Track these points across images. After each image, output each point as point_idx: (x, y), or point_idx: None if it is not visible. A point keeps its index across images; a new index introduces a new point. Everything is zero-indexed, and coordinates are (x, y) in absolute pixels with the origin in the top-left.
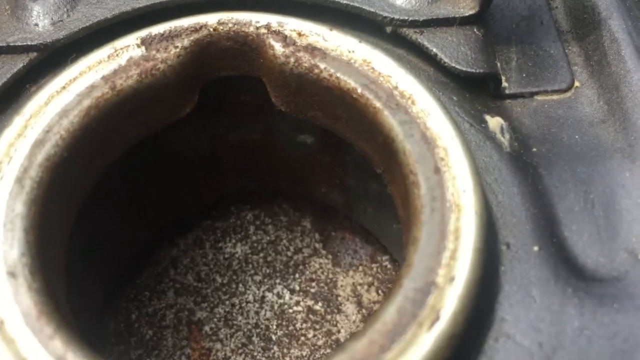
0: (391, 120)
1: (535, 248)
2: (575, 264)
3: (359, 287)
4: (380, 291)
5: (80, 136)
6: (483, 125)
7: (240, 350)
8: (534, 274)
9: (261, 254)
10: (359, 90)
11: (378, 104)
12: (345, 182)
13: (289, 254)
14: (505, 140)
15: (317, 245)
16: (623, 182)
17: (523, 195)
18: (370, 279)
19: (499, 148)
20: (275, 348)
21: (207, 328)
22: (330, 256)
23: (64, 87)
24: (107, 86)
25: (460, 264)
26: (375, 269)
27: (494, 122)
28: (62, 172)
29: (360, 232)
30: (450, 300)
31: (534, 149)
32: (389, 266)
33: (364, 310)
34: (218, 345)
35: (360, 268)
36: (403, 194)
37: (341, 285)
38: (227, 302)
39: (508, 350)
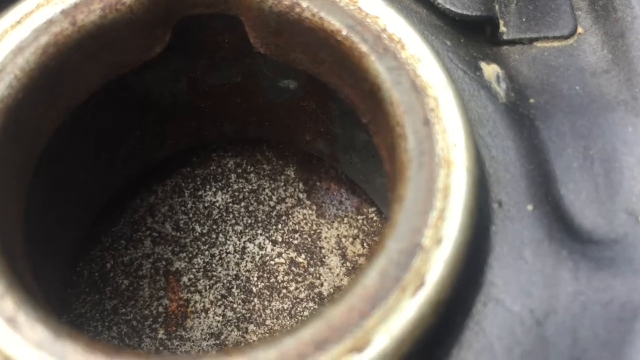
0: (378, 67)
1: (530, 207)
2: (571, 225)
3: (343, 240)
4: (365, 244)
5: (37, 76)
6: (478, 73)
7: (219, 302)
8: (527, 234)
9: (243, 204)
10: (344, 33)
11: (364, 48)
12: (331, 131)
13: (272, 204)
14: (501, 90)
15: (301, 195)
16: (625, 137)
17: (518, 150)
18: (355, 231)
19: (494, 99)
20: (256, 301)
21: (185, 279)
22: (314, 207)
23: (19, 22)
24: (67, 21)
25: (449, 225)
26: (361, 221)
27: (490, 71)
28: (18, 115)
29: (347, 183)
30: (437, 263)
31: (532, 100)
32: (375, 219)
33: (348, 264)
34: (197, 297)
35: (346, 220)
36: (389, 147)
37: (325, 238)
38: (207, 253)
39: (497, 315)
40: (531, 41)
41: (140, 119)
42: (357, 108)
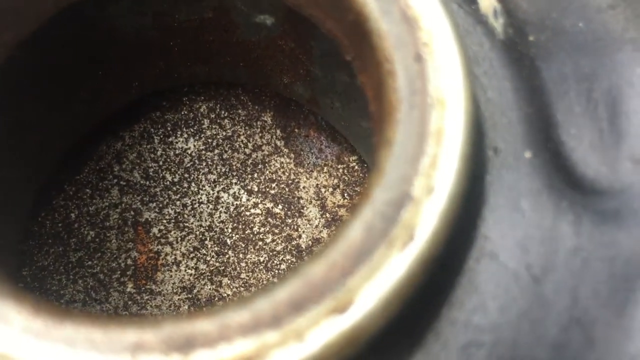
0: None
1: (527, 154)
2: (572, 173)
3: (323, 190)
4: (346, 194)
5: None
6: (473, 7)
7: (191, 255)
8: (525, 184)
9: (216, 151)
10: None
11: None
12: (310, 73)
13: (247, 151)
14: (498, 25)
15: (278, 142)
16: (632, 79)
17: (516, 91)
18: (335, 180)
19: (490, 35)
20: (230, 253)
21: (155, 230)
22: (292, 155)
23: None
24: None
25: (442, 173)
26: (341, 170)
27: (486, 4)
28: None
29: (326, 130)
30: (427, 216)
31: (531, 38)
32: (356, 167)
33: (327, 215)
34: (167, 249)
35: (325, 169)
36: (376, 85)
37: (304, 187)
38: (178, 203)
39: (491, 272)
40: None
41: (102, 57)
42: (340, 43)
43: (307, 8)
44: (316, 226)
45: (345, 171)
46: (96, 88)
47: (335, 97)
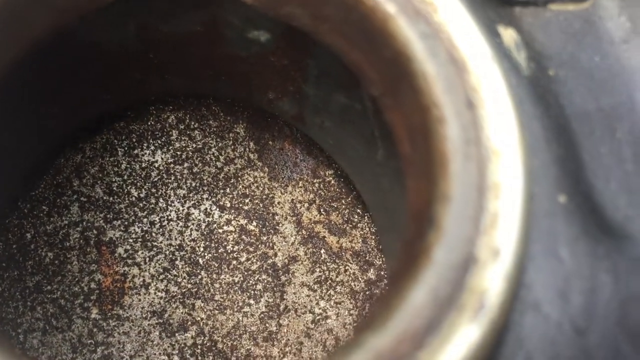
0: (408, 32)
1: (561, 199)
2: (602, 217)
3: (298, 205)
4: (322, 209)
5: None
6: (497, 40)
7: (161, 276)
8: (561, 230)
9: (186, 164)
10: None
11: (391, 9)
12: (301, 91)
13: (219, 164)
14: (521, 59)
15: (251, 155)
16: None
17: (545, 131)
18: (311, 195)
19: (516, 70)
20: (203, 273)
21: (121, 250)
22: (266, 169)
23: None
24: None
25: (504, 232)
26: (317, 185)
27: (508, 36)
28: None
29: (302, 143)
30: (494, 279)
31: (551, 72)
32: (332, 182)
33: (304, 231)
34: (135, 270)
35: (301, 183)
36: (416, 128)
37: (279, 202)
38: (145, 220)
39: (535, 325)
40: (545, 3)
41: (78, 71)
42: (366, 76)
43: (328, 37)
44: (292, 243)
45: (322, 186)
46: (68, 102)
47: (327, 116)
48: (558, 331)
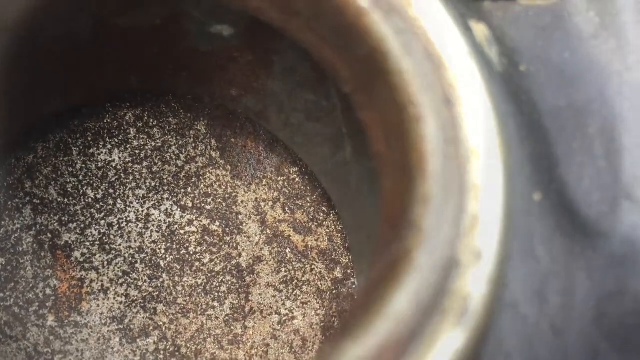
0: (383, 28)
1: (536, 196)
2: (577, 215)
3: (262, 204)
4: (287, 208)
5: None
6: (469, 35)
7: (121, 280)
8: (537, 228)
9: (145, 163)
10: None
11: (364, 3)
12: (266, 87)
13: (180, 163)
14: (493, 55)
15: (213, 153)
16: (622, 114)
17: (520, 127)
18: (275, 194)
19: (489, 66)
20: (165, 276)
21: (77, 254)
22: (229, 167)
23: None
24: None
25: (485, 234)
26: (281, 183)
27: (479, 31)
28: None
29: (265, 140)
30: (477, 283)
31: (522, 68)
32: (297, 179)
33: (268, 230)
34: (93, 275)
35: (264, 181)
36: (392, 127)
37: (242, 202)
38: (103, 222)
39: (514, 325)
40: None
41: (31, 67)
42: (338, 74)
43: (298, 33)
44: (257, 243)
45: (286, 183)
46: (18, 100)
47: (293, 113)
48: (536, 331)
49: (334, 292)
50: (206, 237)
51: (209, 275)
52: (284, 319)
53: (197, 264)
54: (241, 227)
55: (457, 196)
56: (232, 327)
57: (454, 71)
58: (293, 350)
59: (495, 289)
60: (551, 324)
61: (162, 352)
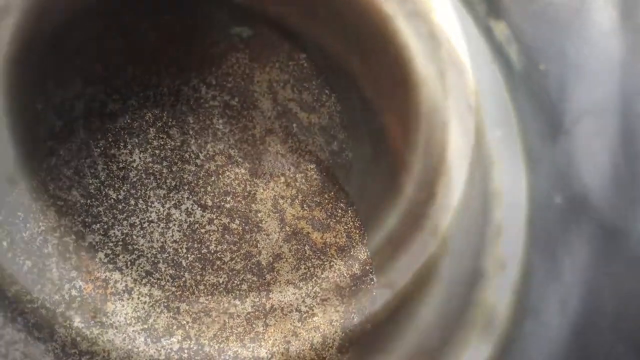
0: (407, 34)
1: (558, 199)
2: (598, 216)
3: (281, 201)
4: (305, 205)
5: None
6: (489, 34)
7: (144, 280)
8: (559, 232)
9: (165, 163)
10: None
11: (389, 9)
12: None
13: (199, 162)
14: (513, 53)
15: (232, 152)
16: None
17: (541, 128)
18: (294, 191)
19: (509, 66)
20: (187, 275)
21: (101, 255)
22: (247, 165)
23: None
24: None
25: (509, 242)
26: (299, 180)
27: (499, 29)
28: None
29: (283, 137)
30: (502, 292)
31: (541, 67)
32: (315, 177)
33: (287, 228)
34: (117, 275)
35: (283, 179)
36: (415, 134)
37: (261, 199)
38: (125, 223)
39: (537, 332)
40: None
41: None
42: (360, 78)
43: (318, 37)
44: (276, 241)
45: (304, 180)
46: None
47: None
48: (559, 339)
49: (353, 288)
50: (226, 235)
51: (230, 273)
52: (304, 316)
53: (218, 262)
54: (260, 224)
55: (481, 204)
56: (254, 325)
57: (477, 77)
58: (314, 347)
59: (519, 297)
60: (572, 329)
61: (186, 351)
